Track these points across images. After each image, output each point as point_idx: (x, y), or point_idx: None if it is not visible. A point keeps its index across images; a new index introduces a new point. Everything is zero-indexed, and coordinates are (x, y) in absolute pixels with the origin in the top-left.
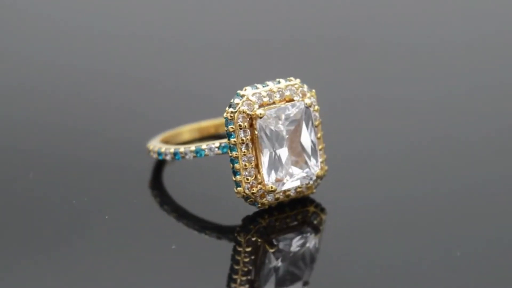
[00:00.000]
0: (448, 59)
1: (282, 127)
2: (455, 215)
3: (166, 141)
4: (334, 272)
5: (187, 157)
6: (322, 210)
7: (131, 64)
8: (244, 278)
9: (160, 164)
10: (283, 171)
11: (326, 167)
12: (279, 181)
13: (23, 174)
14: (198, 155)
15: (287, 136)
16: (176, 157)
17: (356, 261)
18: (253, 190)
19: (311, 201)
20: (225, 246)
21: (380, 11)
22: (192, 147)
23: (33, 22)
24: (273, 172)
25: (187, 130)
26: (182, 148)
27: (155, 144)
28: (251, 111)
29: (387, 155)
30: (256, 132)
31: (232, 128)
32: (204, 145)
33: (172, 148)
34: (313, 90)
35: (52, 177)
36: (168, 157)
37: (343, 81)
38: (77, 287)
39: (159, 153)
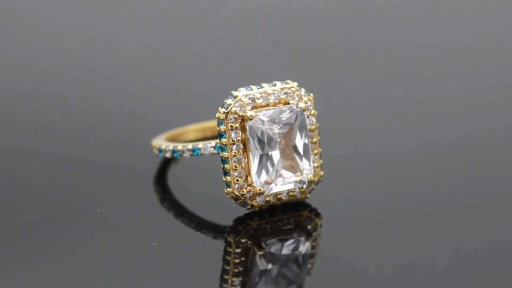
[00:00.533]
0: (447, 59)
1: (274, 130)
2: (454, 216)
3: (171, 140)
4: (328, 277)
5: (184, 155)
6: (318, 215)
7: (135, 65)
8: (235, 279)
9: (165, 163)
10: (274, 174)
11: (321, 173)
12: (268, 183)
13: (27, 173)
14: (195, 153)
15: (279, 139)
16: (175, 155)
17: (351, 266)
18: (242, 191)
19: (306, 206)
20: (220, 246)
21: (379, 11)
22: (189, 145)
23: (36, 23)
24: (262, 174)
25: (192, 130)
26: (180, 146)
27: (158, 141)
28: (243, 113)
29: (385, 158)
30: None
31: (223, 128)
32: (200, 144)
33: (171, 146)
34: (311, 94)
35: (57, 176)
36: (167, 154)
37: (339, 83)
38: (69, 280)
39: (160, 150)
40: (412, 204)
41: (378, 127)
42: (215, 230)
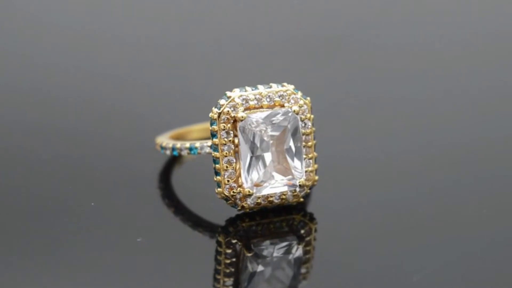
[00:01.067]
0: (446, 59)
1: (266, 132)
2: (452, 218)
3: (175, 138)
4: (323, 282)
5: (182, 153)
6: (312, 219)
7: (142, 67)
8: (227, 279)
9: (171, 162)
10: (264, 176)
11: (316, 177)
12: (258, 185)
13: (34, 171)
14: (192, 152)
15: (271, 141)
16: (174, 152)
17: (346, 270)
18: (232, 192)
19: (300, 209)
20: (215, 246)
21: (379, 11)
22: (187, 144)
23: (37, 23)
24: (252, 176)
25: (196, 130)
26: (178, 144)
27: (161, 139)
28: (235, 113)
29: (382, 161)
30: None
31: (216, 128)
32: (197, 143)
33: (171, 143)
34: (308, 98)
35: (61, 174)
36: (167, 152)
37: (336, 84)
38: (63, 276)
39: (161, 147)
40: (409, 207)
41: (375, 129)
42: (212, 229)
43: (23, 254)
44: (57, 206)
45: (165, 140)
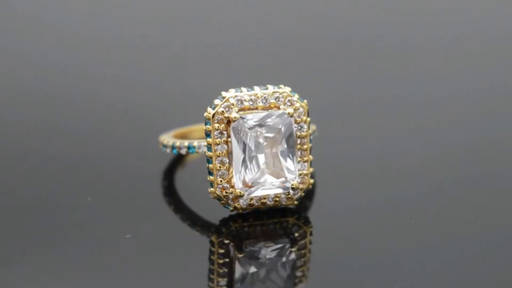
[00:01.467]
0: (443, 60)
1: (260, 134)
2: (450, 219)
3: (178, 137)
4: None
5: (181, 151)
6: (308, 222)
7: (142, 67)
8: (220, 279)
9: (176, 161)
10: (257, 178)
11: (311, 180)
12: (249, 187)
13: (33, 174)
14: (190, 151)
15: (264, 143)
16: (173, 151)
17: (341, 272)
18: (224, 192)
19: (295, 212)
20: (209, 245)
21: (377, 11)
22: (186, 142)
23: (39, 23)
24: (244, 177)
25: (198, 129)
26: (178, 143)
27: (163, 137)
28: (229, 114)
29: (381, 162)
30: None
31: (209, 128)
32: (195, 142)
33: (171, 142)
34: (305, 101)
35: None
36: (168, 150)
37: (334, 85)
38: (58, 274)
39: (163, 145)
40: (409, 207)
41: (375, 129)
42: (209, 229)
43: (22, 254)
44: (58, 205)
45: (166, 138)
